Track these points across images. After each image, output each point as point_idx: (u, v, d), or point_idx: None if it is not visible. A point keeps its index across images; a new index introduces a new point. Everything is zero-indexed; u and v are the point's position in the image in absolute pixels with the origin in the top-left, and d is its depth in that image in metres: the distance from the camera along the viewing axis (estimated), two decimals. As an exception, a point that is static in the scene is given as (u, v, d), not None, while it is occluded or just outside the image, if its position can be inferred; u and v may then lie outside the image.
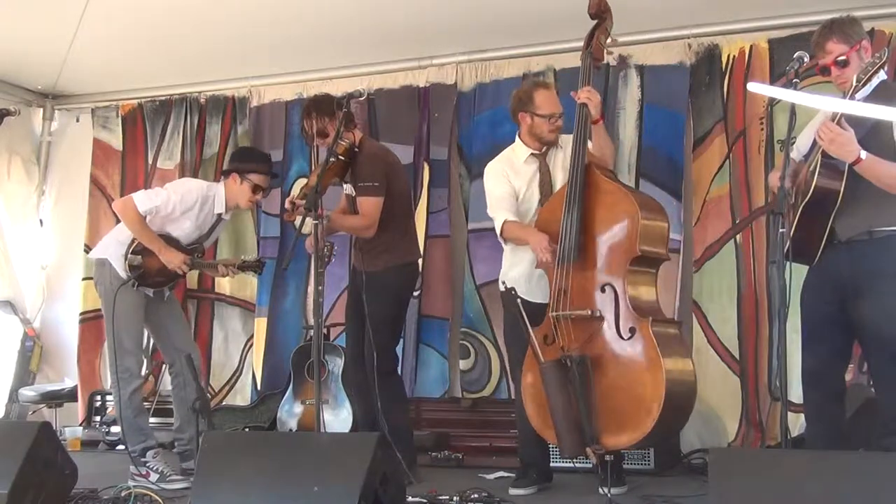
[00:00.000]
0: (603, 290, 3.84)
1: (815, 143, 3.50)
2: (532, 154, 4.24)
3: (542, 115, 4.16)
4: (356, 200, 4.41)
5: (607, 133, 4.24)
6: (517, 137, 4.31)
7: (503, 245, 4.32)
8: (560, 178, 4.21)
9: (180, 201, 4.58)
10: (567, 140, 4.16)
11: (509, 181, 4.22)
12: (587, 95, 4.03)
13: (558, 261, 3.90)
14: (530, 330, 3.88)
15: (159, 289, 4.68)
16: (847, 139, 3.25)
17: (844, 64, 3.45)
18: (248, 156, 4.87)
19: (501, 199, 4.21)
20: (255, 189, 4.65)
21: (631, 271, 3.83)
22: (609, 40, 4.19)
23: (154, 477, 4.46)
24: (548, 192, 4.21)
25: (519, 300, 3.92)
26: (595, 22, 4.18)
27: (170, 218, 4.59)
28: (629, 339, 3.75)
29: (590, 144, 4.06)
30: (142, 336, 4.75)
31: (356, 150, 4.38)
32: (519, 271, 4.20)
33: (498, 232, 4.23)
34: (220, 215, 4.71)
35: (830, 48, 3.47)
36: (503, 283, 4.16)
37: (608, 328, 3.80)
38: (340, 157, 4.29)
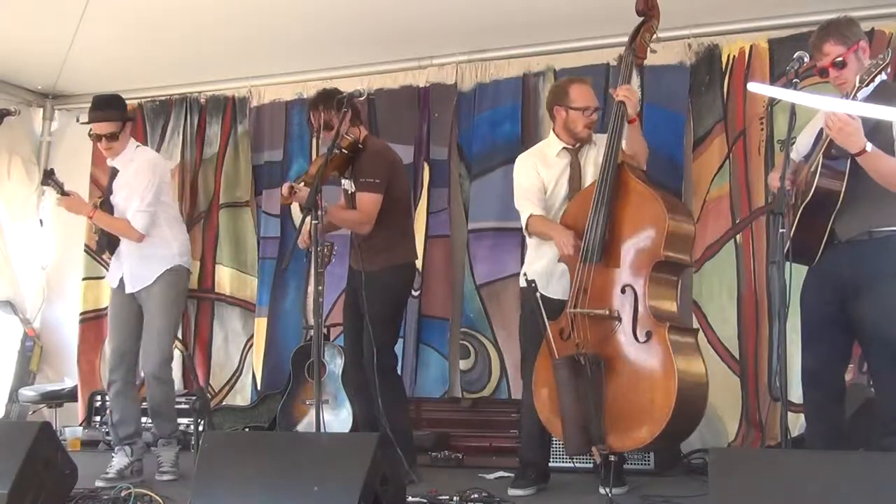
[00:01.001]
0: (623, 292, 3.83)
1: (815, 142, 3.51)
2: (565, 148, 4.24)
3: (576, 108, 4.17)
4: (355, 196, 4.41)
5: (642, 134, 4.20)
6: (551, 131, 4.32)
7: (528, 239, 4.32)
8: (591, 174, 4.21)
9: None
10: (601, 139, 4.15)
11: (538, 173, 4.22)
12: (625, 93, 4.01)
13: (581, 258, 3.90)
14: (547, 323, 3.88)
15: (120, 278, 4.67)
16: (855, 129, 3.26)
17: (842, 65, 3.45)
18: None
19: (528, 190, 4.22)
20: (96, 138, 4.64)
21: (653, 276, 3.81)
22: (652, 38, 4.16)
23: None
24: (576, 187, 4.20)
25: (538, 294, 3.90)
26: (641, 19, 4.13)
27: None
28: (644, 342, 3.73)
29: (623, 144, 4.05)
30: (116, 333, 4.69)
31: (360, 146, 4.37)
32: (541, 266, 4.19)
33: (523, 225, 4.25)
34: (111, 168, 4.69)
35: (827, 50, 3.48)
36: (524, 275, 4.12)
37: (624, 330, 3.79)
38: (344, 150, 4.28)
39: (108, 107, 4.66)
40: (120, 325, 4.66)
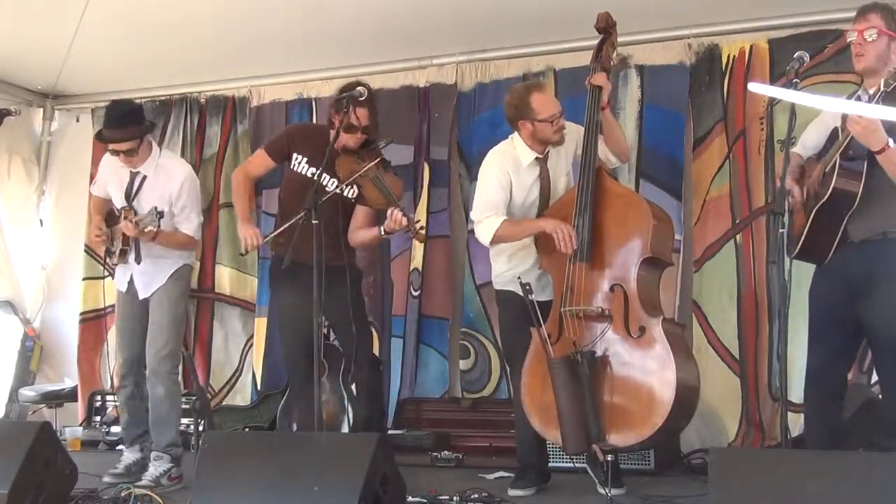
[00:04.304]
0: (612, 290, 3.86)
1: (829, 142, 3.49)
2: (536, 158, 4.16)
3: (543, 119, 4.05)
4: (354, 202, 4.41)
5: (614, 118, 4.29)
6: (517, 135, 4.18)
7: (490, 248, 4.20)
8: (562, 185, 4.22)
9: (98, 176, 4.79)
10: (569, 133, 4.14)
11: (510, 187, 4.10)
12: (602, 80, 4.08)
13: (570, 258, 3.92)
14: (542, 324, 3.87)
15: (129, 282, 4.59)
16: (878, 126, 3.26)
17: (873, 38, 3.40)
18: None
19: (499, 203, 4.07)
20: (112, 151, 4.46)
21: (640, 273, 3.86)
22: (615, 52, 4.27)
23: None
24: (546, 198, 4.19)
25: (532, 296, 3.89)
26: (602, 36, 4.20)
27: (105, 193, 4.69)
28: (639, 337, 3.77)
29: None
30: (126, 338, 4.62)
31: None
32: (520, 272, 4.12)
33: (490, 236, 4.05)
34: (130, 171, 4.48)
35: (871, 18, 3.42)
36: (518, 279, 3.97)
37: (617, 327, 3.82)
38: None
39: (124, 123, 4.37)
40: (129, 331, 4.59)
